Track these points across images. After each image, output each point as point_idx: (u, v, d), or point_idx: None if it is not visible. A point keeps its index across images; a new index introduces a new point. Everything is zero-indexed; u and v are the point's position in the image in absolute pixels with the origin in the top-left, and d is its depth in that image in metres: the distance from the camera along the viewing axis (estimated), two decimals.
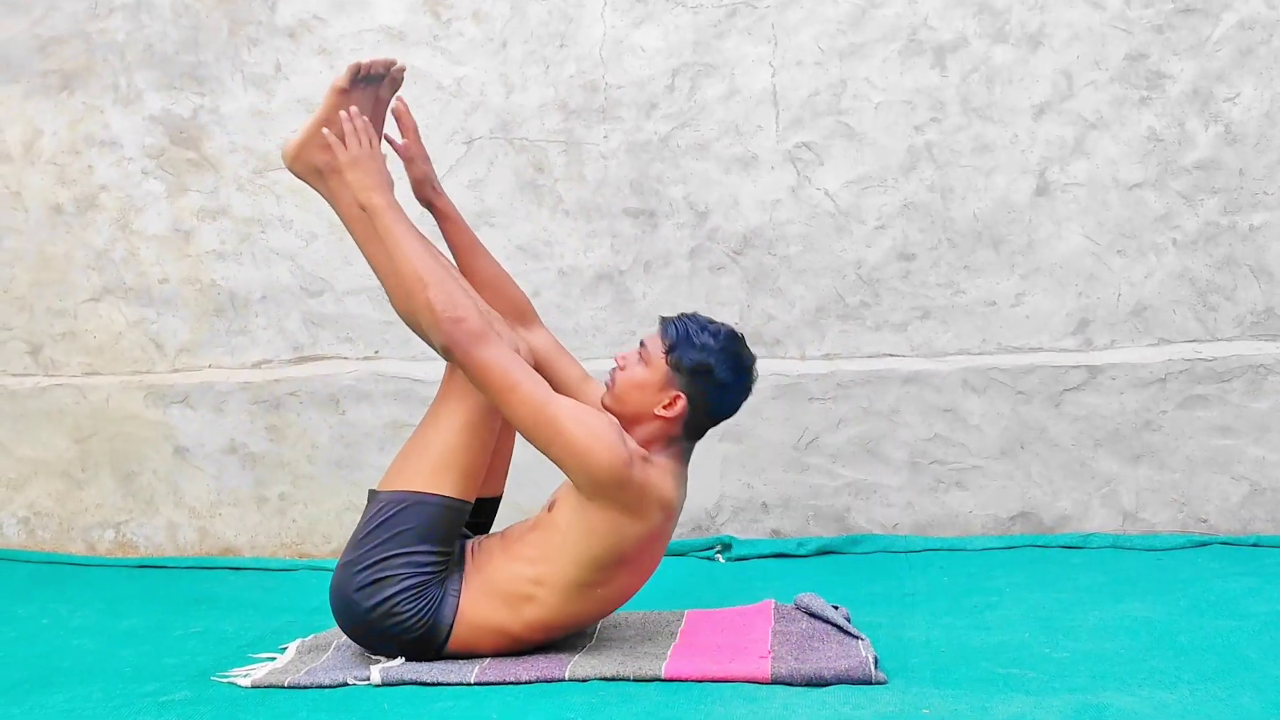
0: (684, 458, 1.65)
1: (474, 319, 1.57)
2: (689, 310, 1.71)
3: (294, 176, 1.75)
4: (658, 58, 2.44)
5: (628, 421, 1.61)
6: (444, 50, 2.49)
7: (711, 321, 1.64)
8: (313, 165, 1.71)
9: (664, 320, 1.65)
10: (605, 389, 1.66)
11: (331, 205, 1.74)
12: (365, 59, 1.69)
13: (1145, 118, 2.37)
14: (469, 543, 1.71)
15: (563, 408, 1.57)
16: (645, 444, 1.61)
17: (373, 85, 1.71)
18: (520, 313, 1.81)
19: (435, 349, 1.62)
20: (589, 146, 2.47)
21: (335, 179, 1.70)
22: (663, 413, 1.60)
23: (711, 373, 1.61)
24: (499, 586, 1.61)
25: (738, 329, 1.67)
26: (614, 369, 1.66)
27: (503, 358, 1.57)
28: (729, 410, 1.66)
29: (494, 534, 1.73)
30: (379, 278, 1.71)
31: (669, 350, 1.61)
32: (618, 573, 1.60)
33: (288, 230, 2.55)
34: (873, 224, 2.43)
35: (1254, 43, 2.34)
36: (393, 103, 1.75)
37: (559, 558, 1.58)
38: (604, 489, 1.55)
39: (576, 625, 1.66)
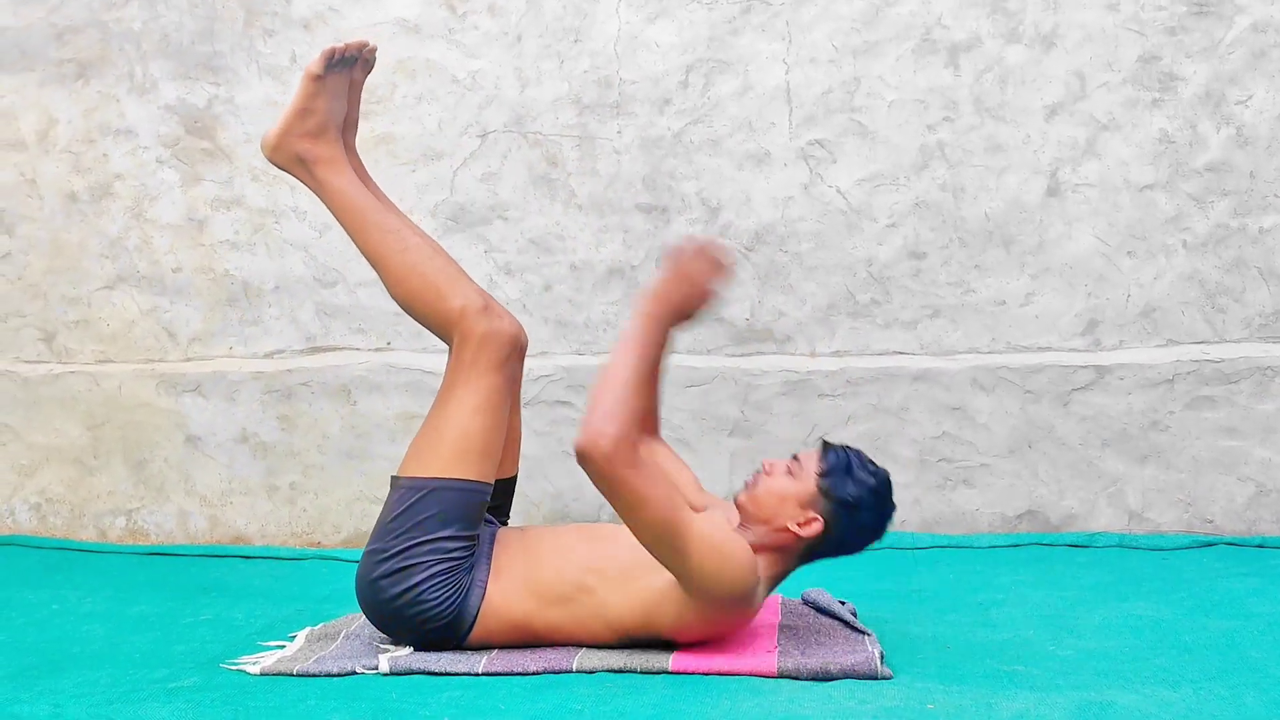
0: (780, 578, 1.64)
1: (630, 439, 1.48)
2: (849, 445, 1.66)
3: (276, 167, 1.72)
4: (672, 53, 2.45)
5: (752, 520, 1.61)
6: (459, 43, 2.50)
7: (872, 461, 1.63)
8: (294, 154, 1.69)
9: (826, 444, 1.63)
10: (744, 487, 1.65)
11: (316, 194, 1.72)
12: (339, 43, 1.66)
13: (1157, 119, 2.37)
14: (495, 532, 1.70)
15: (698, 532, 1.50)
16: (763, 548, 1.60)
17: (346, 69, 1.69)
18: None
19: (592, 478, 1.50)
20: (602, 141, 2.48)
21: (319, 167, 1.69)
22: (796, 529, 1.59)
23: (858, 510, 1.59)
24: (539, 580, 1.60)
25: (891, 478, 1.64)
26: (757, 472, 1.64)
27: (644, 477, 1.50)
28: (852, 550, 1.65)
29: (516, 529, 1.74)
30: (373, 265, 1.70)
31: (824, 474, 1.60)
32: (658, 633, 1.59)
33: (301, 221, 2.56)
34: (884, 222, 2.44)
35: (1267, 45, 2.34)
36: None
37: (623, 598, 1.57)
38: (712, 600, 1.53)
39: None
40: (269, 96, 2.54)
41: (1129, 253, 2.40)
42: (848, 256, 2.45)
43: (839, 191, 2.45)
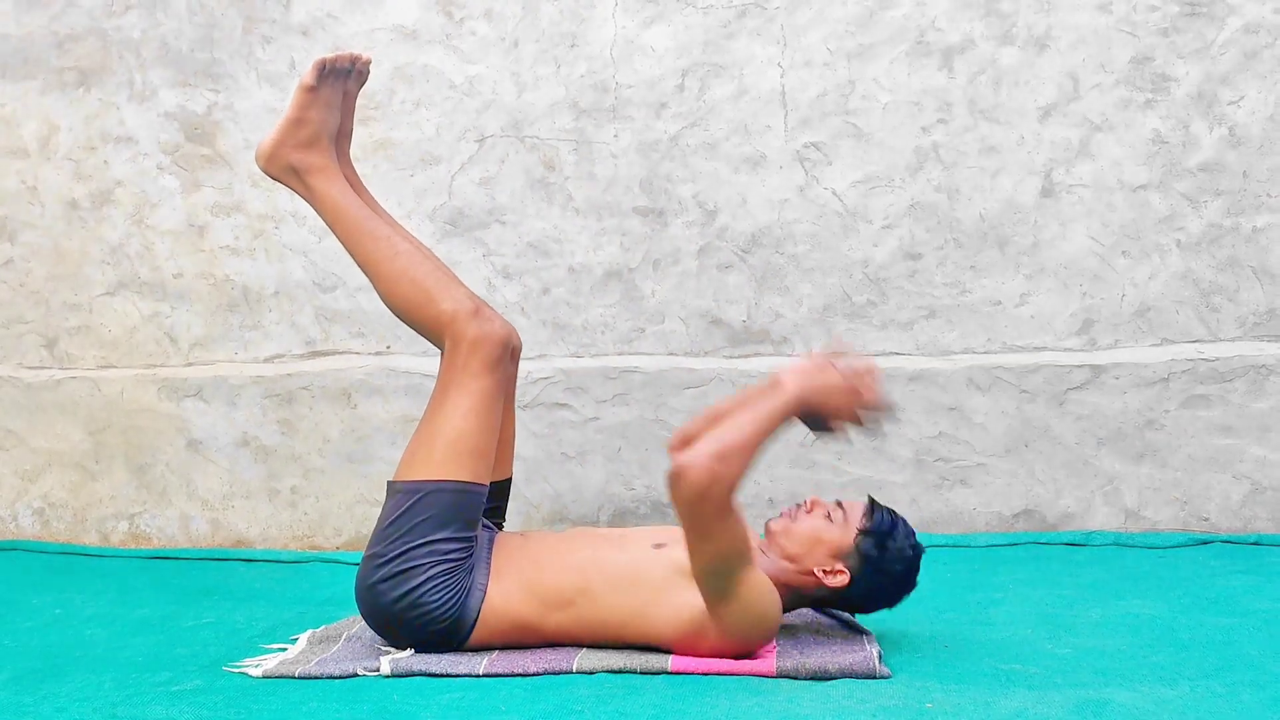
0: (787, 609, 1.63)
1: (732, 489, 1.48)
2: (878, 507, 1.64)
3: (270, 178, 1.74)
4: (667, 58, 2.46)
5: (779, 553, 1.61)
6: (456, 49, 2.51)
7: (914, 533, 1.64)
8: (288, 164, 1.71)
9: (874, 503, 1.63)
10: (780, 515, 1.65)
11: (310, 203, 1.74)
12: (330, 54, 1.68)
13: (1150, 120, 2.38)
14: (494, 536, 1.71)
15: (752, 582, 1.51)
16: (780, 581, 1.59)
17: (340, 80, 1.70)
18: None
19: (677, 498, 1.48)
20: (599, 145, 2.49)
21: (312, 176, 1.71)
22: (822, 576, 1.59)
23: (885, 578, 1.60)
24: (541, 581, 1.61)
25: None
26: (798, 505, 1.65)
27: (736, 531, 1.50)
28: (862, 611, 1.66)
29: (515, 533, 1.74)
30: (365, 272, 1.72)
31: (865, 532, 1.60)
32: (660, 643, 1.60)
33: (301, 226, 2.57)
34: (880, 224, 2.45)
35: (1258, 46, 2.35)
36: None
37: (626, 604, 1.58)
38: (731, 637, 1.54)
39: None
40: (268, 103, 2.55)
41: (1123, 253, 2.42)
42: (844, 258, 2.46)
43: (834, 194, 2.46)
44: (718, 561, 1.50)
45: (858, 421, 1.59)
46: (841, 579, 1.59)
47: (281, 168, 1.72)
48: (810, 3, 2.43)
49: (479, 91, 2.51)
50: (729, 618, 1.52)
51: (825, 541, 1.60)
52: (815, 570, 1.60)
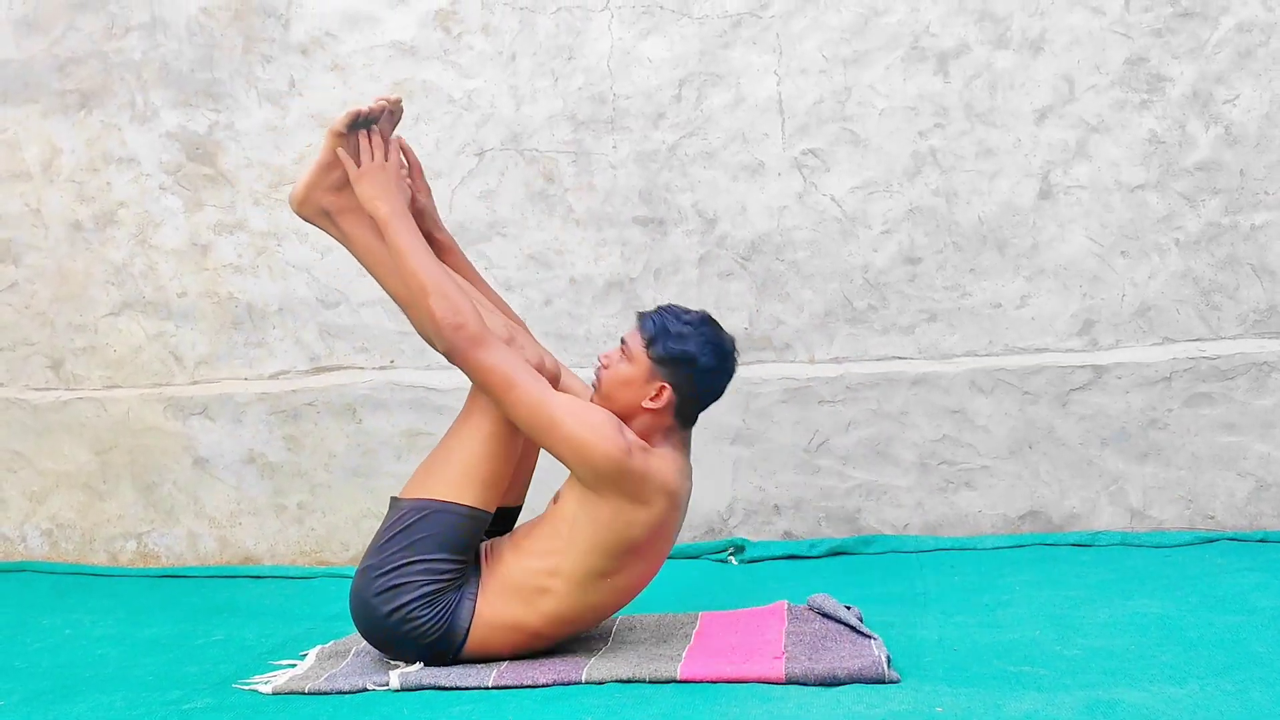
0: (684, 446, 1.69)
1: (473, 324, 1.61)
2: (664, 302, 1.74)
3: (303, 220, 1.77)
4: (664, 68, 2.48)
5: (620, 417, 1.65)
6: (454, 64, 2.53)
7: (686, 310, 1.68)
8: (320, 207, 1.75)
9: (641, 315, 1.69)
10: (592, 389, 1.70)
11: (345, 245, 1.77)
12: (364, 105, 1.70)
13: (1146, 120, 2.39)
14: (484, 545, 1.73)
15: (560, 404, 1.61)
16: (643, 436, 1.65)
17: (371, 124, 1.72)
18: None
19: (441, 354, 1.65)
20: (598, 156, 2.51)
21: (343, 218, 1.74)
22: (650, 405, 1.64)
23: (694, 360, 1.65)
24: (513, 582, 1.64)
25: (711, 313, 1.70)
26: (598, 368, 1.70)
27: (502, 359, 1.61)
28: (715, 393, 1.70)
29: (505, 535, 1.76)
30: (399, 305, 1.74)
31: (649, 344, 1.65)
32: (628, 561, 1.63)
33: (303, 243, 2.59)
34: (879, 229, 2.46)
35: (1252, 45, 2.36)
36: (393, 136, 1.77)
37: (570, 549, 1.62)
38: (606, 479, 1.58)
39: (593, 617, 1.68)
40: (269, 122, 2.57)
41: (1122, 253, 2.42)
42: (844, 263, 2.47)
43: (833, 200, 2.47)
44: (527, 405, 1.59)
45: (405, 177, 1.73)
46: (665, 393, 1.65)
47: (314, 210, 1.76)
48: (805, 11, 2.44)
49: (478, 106, 2.52)
50: (580, 451, 1.58)
51: (631, 378, 1.65)
52: (644, 405, 1.65)
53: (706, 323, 1.67)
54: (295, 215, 1.77)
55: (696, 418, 1.71)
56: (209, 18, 2.56)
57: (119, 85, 2.60)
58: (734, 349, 1.70)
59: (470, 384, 1.72)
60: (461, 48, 2.52)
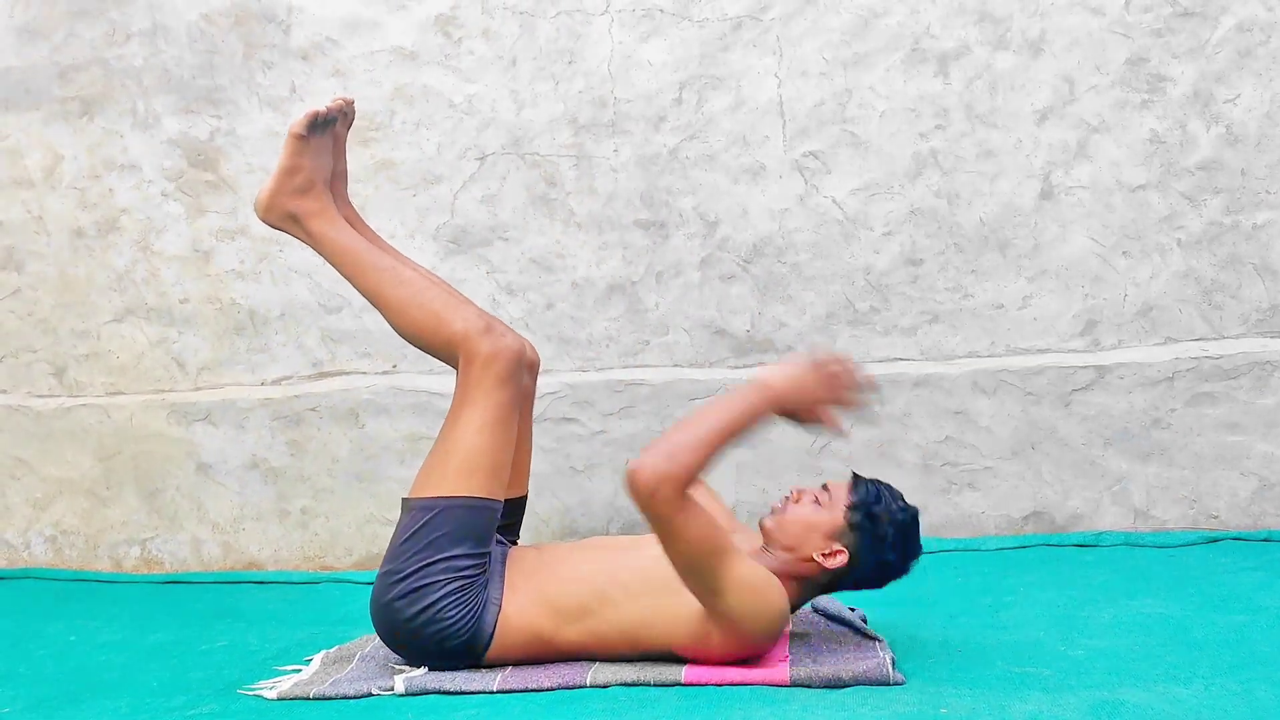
0: (801, 603, 1.65)
1: (684, 486, 1.50)
2: (874, 482, 1.66)
3: (270, 227, 1.77)
4: (665, 71, 2.48)
5: (775, 545, 1.62)
6: (455, 69, 2.53)
7: (902, 497, 1.64)
8: (286, 212, 1.74)
9: (858, 476, 1.65)
10: (770, 511, 1.66)
11: (312, 247, 1.77)
12: (321, 106, 1.71)
13: (1147, 120, 2.39)
14: (507, 551, 1.72)
15: (739, 575, 1.52)
16: (786, 574, 1.60)
17: (331, 126, 1.74)
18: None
19: (634, 499, 1.51)
20: (599, 160, 2.51)
21: (311, 220, 1.73)
22: (821, 560, 1.60)
23: (884, 547, 1.61)
24: (551, 595, 1.62)
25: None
26: (787, 497, 1.66)
27: (701, 523, 1.52)
28: (873, 585, 1.66)
29: (529, 546, 1.75)
30: (374, 304, 1.75)
31: (853, 507, 1.61)
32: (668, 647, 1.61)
33: (305, 249, 2.58)
34: (880, 230, 2.46)
35: (1253, 44, 2.36)
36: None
37: (639, 607, 1.59)
38: (740, 634, 1.54)
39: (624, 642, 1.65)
40: (270, 127, 2.58)
41: (1124, 253, 2.42)
42: (845, 265, 2.47)
43: (834, 202, 2.47)
44: (691, 559, 1.51)
45: (837, 410, 1.60)
46: (841, 558, 1.60)
47: (280, 216, 1.75)
48: (805, 13, 2.45)
49: (479, 110, 2.53)
50: (726, 613, 1.53)
51: (817, 526, 1.61)
52: (814, 556, 1.61)
53: (915, 521, 1.64)
54: (263, 222, 1.77)
55: (836, 590, 1.66)
56: (210, 24, 2.57)
57: (120, 92, 2.61)
58: (918, 558, 1.65)
59: (458, 376, 1.69)
60: (462, 52, 2.53)
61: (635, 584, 1.60)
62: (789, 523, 1.63)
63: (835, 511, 1.62)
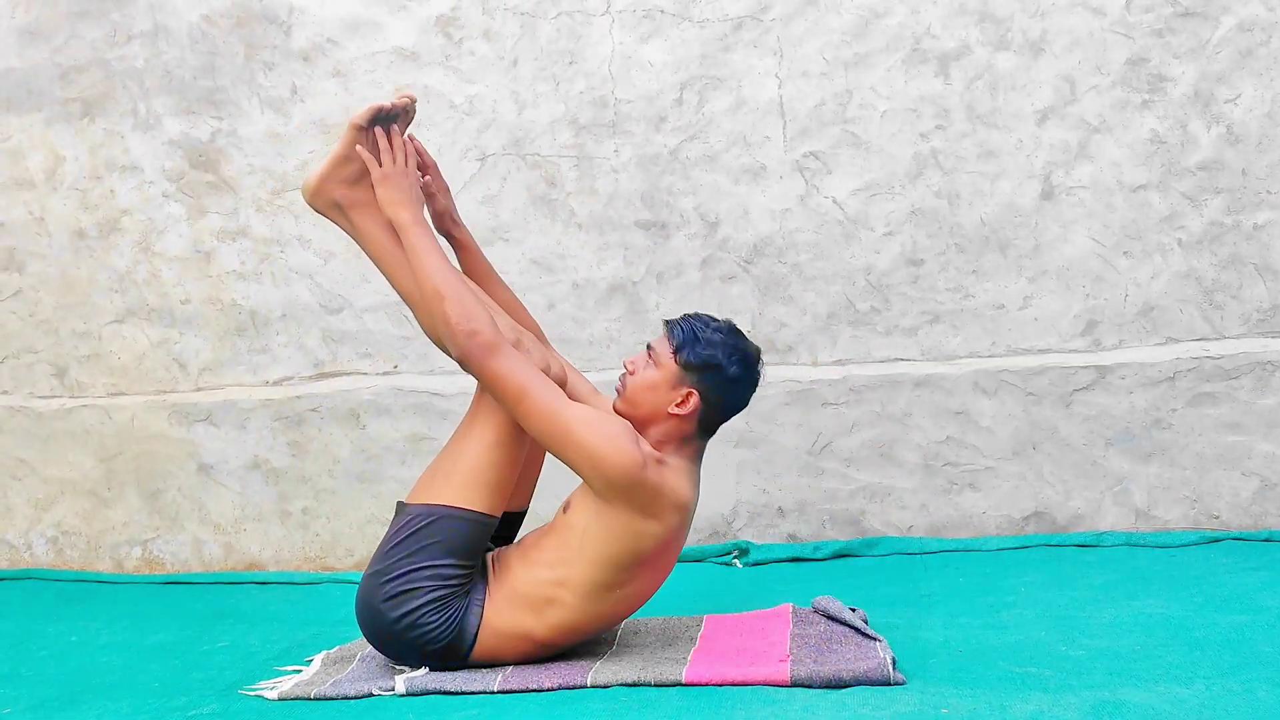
0: (697, 457, 1.69)
1: (488, 331, 1.61)
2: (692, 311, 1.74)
3: (315, 212, 1.78)
4: (665, 72, 2.48)
5: (641, 424, 1.65)
6: (456, 69, 2.53)
7: (714, 319, 1.69)
8: (333, 200, 1.75)
9: (669, 322, 1.69)
10: (616, 395, 1.70)
11: (355, 239, 1.77)
12: (386, 101, 1.72)
13: (1148, 120, 2.39)
14: (491, 554, 1.74)
15: (575, 413, 1.61)
16: (659, 445, 1.65)
17: (392, 120, 1.74)
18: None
19: (454, 360, 1.65)
20: (600, 160, 2.51)
21: (355, 211, 1.74)
22: (676, 410, 1.64)
23: (721, 368, 1.65)
24: (521, 592, 1.64)
25: (733, 320, 1.72)
26: (623, 374, 1.70)
27: (516, 367, 1.61)
28: (740, 403, 1.70)
29: (513, 544, 1.76)
30: (407, 304, 1.75)
31: (677, 350, 1.65)
32: (637, 573, 1.63)
33: (306, 249, 2.59)
34: (881, 231, 2.46)
35: (1253, 44, 2.36)
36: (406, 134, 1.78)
37: (578, 559, 1.61)
38: (618, 491, 1.58)
39: (601, 626, 1.68)
40: (271, 128, 2.58)
41: (1125, 253, 2.42)
42: (846, 266, 2.47)
43: (835, 202, 2.47)
44: (541, 414, 1.59)
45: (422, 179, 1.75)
46: (693, 399, 1.64)
47: (327, 203, 1.76)
48: (805, 14, 2.45)
49: (479, 111, 2.53)
50: (594, 462, 1.57)
51: (657, 384, 1.65)
52: (670, 410, 1.64)
53: (734, 332, 1.68)
54: (308, 206, 1.77)
55: (716, 429, 1.70)
56: (211, 25, 2.57)
57: (121, 93, 2.61)
58: (760, 359, 1.69)
59: (476, 389, 1.72)
60: (463, 53, 2.53)
61: (570, 552, 1.62)
62: (633, 395, 1.66)
63: (667, 364, 1.65)
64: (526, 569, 1.66)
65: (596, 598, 1.62)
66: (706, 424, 1.68)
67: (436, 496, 1.66)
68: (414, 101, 1.76)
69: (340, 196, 1.74)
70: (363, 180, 1.74)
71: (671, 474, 1.62)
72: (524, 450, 1.70)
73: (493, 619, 1.64)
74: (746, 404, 1.71)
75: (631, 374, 1.68)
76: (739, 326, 1.70)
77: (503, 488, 1.68)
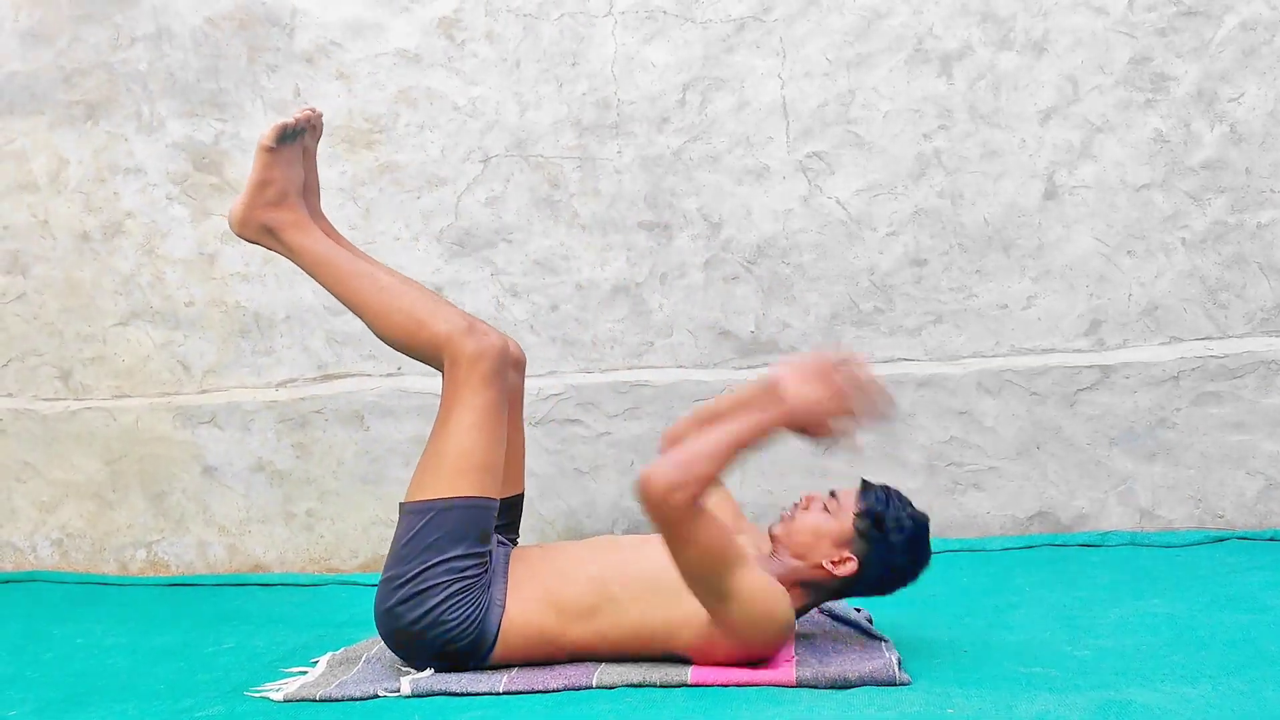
0: (809, 609, 1.66)
1: (694, 487, 1.50)
2: (885, 490, 1.65)
3: (247, 242, 1.76)
4: (668, 73, 2.48)
5: (786, 554, 1.63)
6: (459, 71, 2.53)
7: (911, 504, 1.64)
8: (261, 225, 1.74)
9: (865, 483, 1.65)
10: (780, 518, 1.66)
11: (290, 259, 1.76)
12: (289, 118, 1.71)
13: (1151, 120, 2.39)
14: (510, 551, 1.72)
15: (749, 578, 1.53)
16: (794, 581, 1.61)
17: (300, 137, 1.73)
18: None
19: (643, 506, 1.52)
20: (603, 161, 2.51)
21: (286, 232, 1.73)
22: (830, 567, 1.60)
23: (893, 554, 1.61)
24: (559, 597, 1.62)
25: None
26: (796, 504, 1.66)
27: (715, 533, 1.52)
28: (883, 592, 1.66)
29: (532, 546, 1.76)
30: (356, 312, 1.74)
31: (861, 514, 1.61)
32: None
33: None
34: (884, 231, 2.46)
35: (1256, 43, 2.36)
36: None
37: (648, 601, 1.59)
38: (745, 641, 1.55)
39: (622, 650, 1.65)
40: None
41: (1129, 252, 2.42)
42: (849, 266, 2.47)
43: (838, 202, 2.47)
44: (699, 566, 1.52)
45: (850, 432, 1.59)
46: (850, 565, 1.60)
47: (256, 229, 1.74)
48: (808, 14, 2.45)
49: (482, 112, 2.53)
50: (731, 620, 1.53)
51: (826, 533, 1.61)
52: (824, 563, 1.61)
53: (924, 527, 1.63)
54: (239, 237, 1.76)
55: (844, 597, 1.66)
56: (214, 28, 2.57)
57: (125, 96, 2.61)
58: (925, 568, 1.65)
59: (443, 378, 1.68)
60: (465, 55, 2.53)
61: (641, 585, 1.60)
62: (798, 530, 1.63)
63: (844, 519, 1.62)
64: (587, 579, 1.61)
65: (636, 640, 1.60)
66: (841, 589, 1.64)
67: (430, 492, 1.64)
68: (319, 114, 1.75)
69: (268, 220, 1.73)
70: (286, 200, 1.73)
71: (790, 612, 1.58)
72: (504, 428, 1.68)
73: (516, 617, 1.62)
74: (889, 594, 1.67)
75: (805, 509, 1.64)
76: (929, 525, 1.63)
77: (492, 468, 1.66)
